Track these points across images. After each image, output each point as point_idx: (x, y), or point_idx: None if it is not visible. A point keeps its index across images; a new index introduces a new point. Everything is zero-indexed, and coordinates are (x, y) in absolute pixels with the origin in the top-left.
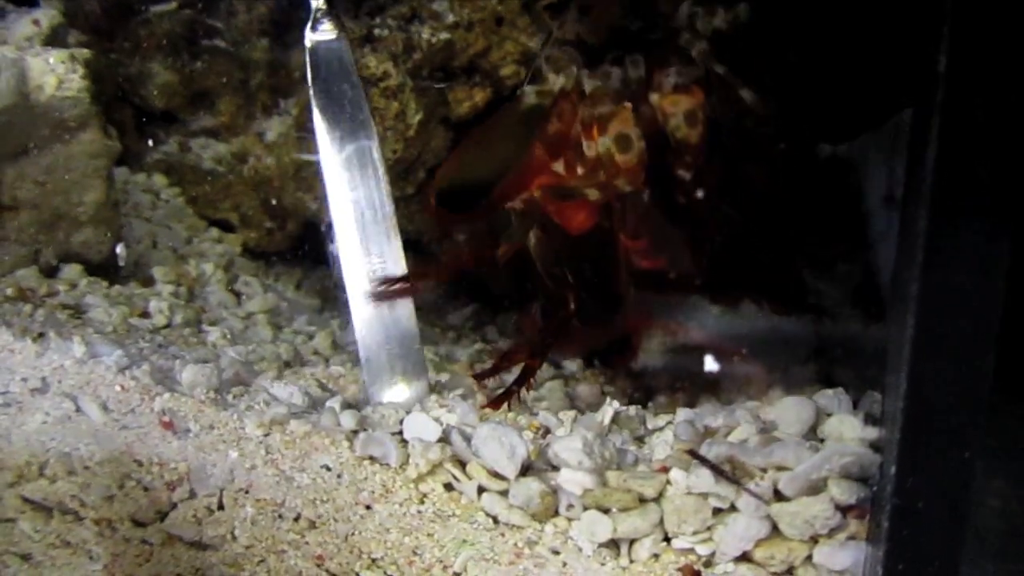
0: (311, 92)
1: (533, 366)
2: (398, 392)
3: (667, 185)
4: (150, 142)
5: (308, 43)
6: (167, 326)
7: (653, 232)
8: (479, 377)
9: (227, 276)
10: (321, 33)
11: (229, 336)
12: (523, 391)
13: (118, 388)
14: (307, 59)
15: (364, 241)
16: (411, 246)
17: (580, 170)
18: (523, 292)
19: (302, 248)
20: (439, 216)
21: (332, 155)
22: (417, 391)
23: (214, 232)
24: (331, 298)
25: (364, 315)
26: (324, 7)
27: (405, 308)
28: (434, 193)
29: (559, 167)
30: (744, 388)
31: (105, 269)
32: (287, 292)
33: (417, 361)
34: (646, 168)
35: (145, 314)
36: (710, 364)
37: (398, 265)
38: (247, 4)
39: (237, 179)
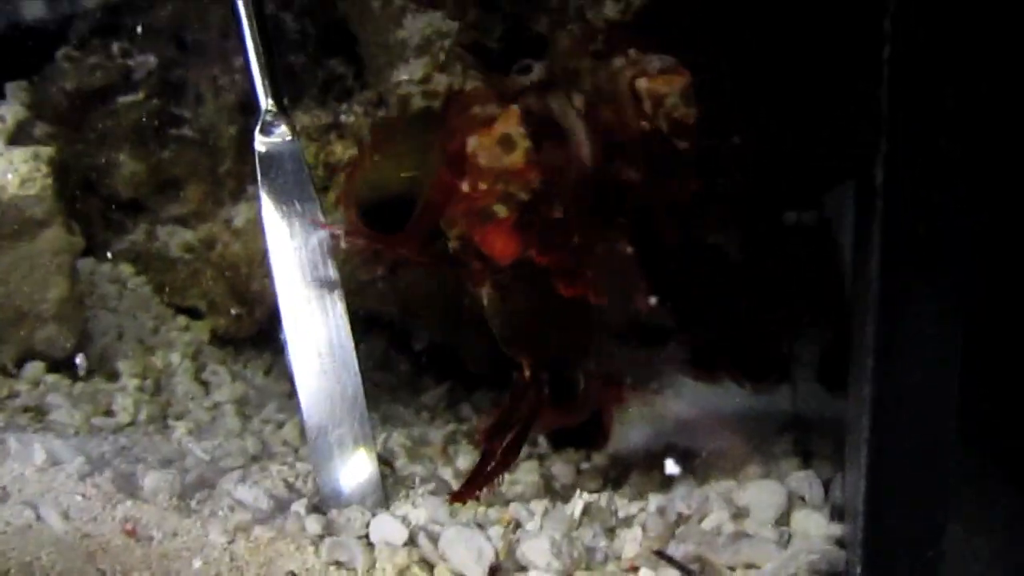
0: (261, 198)
1: (505, 464)
2: (347, 480)
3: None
4: (117, 231)
5: (258, 148)
6: (132, 423)
7: (574, 245)
8: (457, 497)
9: (195, 365)
10: (272, 137)
11: (195, 430)
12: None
13: (79, 496)
14: (257, 165)
15: (313, 336)
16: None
17: (483, 185)
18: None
19: (271, 333)
20: (366, 235)
21: (282, 261)
22: (366, 480)
23: (181, 320)
24: None
25: (311, 400)
26: (274, 109)
27: (353, 382)
28: (355, 208)
29: (466, 186)
30: (720, 463)
31: (69, 365)
32: (256, 379)
33: (367, 452)
34: (545, 170)
35: (109, 412)
36: (687, 438)
37: (349, 355)
38: (215, 92)
39: (205, 266)
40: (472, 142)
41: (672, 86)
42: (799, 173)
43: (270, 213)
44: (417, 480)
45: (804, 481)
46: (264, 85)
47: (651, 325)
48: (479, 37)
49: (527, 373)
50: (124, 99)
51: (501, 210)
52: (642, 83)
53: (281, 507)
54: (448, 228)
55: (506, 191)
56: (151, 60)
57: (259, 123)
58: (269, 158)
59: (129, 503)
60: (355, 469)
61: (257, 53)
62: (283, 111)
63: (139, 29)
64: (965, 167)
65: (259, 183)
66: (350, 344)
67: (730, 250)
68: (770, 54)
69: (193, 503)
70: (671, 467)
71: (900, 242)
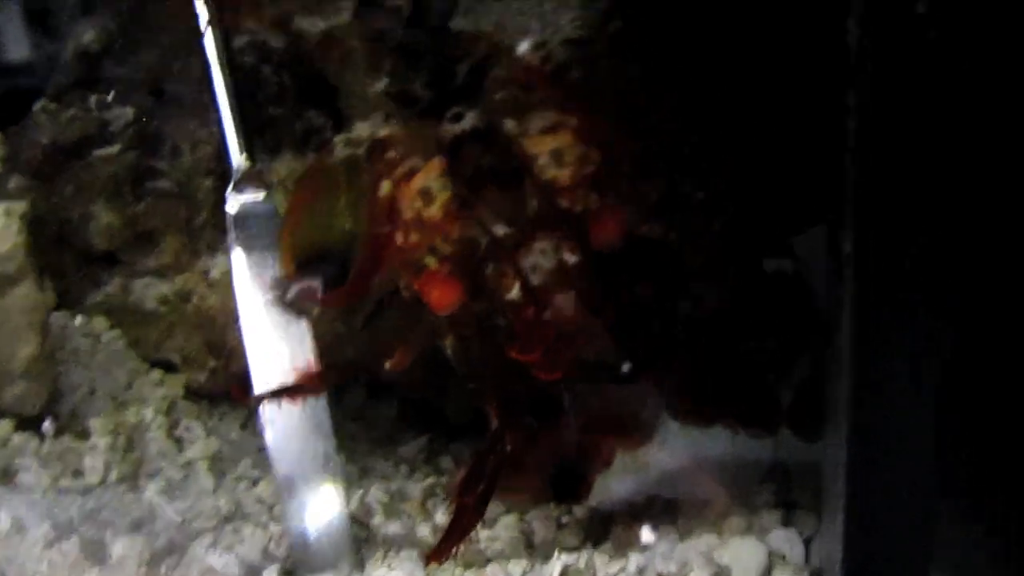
0: (232, 259)
1: (473, 520)
2: (320, 545)
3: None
4: (91, 285)
5: (230, 207)
6: (102, 483)
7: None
8: (433, 558)
9: (168, 420)
10: (246, 194)
11: (167, 489)
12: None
13: (45, 565)
14: (230, 225)
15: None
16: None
17: (412, 236)
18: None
19: (247, 387)
20: (305, 292)
21: (254, 321)
22: (339, 544)
23: (156, 374)
24: None
25: (282, 463)
26: (248, 166)
27: (325, 444)
28: (292, 263)
29: (399, 237)
30: (702, 514)
31: (38, 424)
32: (231, 433)
33: (340, 515)
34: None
35: (78, 472)
36: (669, 489)
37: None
38: (191, 145)
39: (180, 319)
40: (395, 195)
41: (543, 147)
42: (770, 217)
43: (242, 273)
44: (394, 539)
45: (785, 540)
46: (238, 141)
47: (622, 369)
48: (404, 86)
49: (494, 422)
50: (100, 152)
51: (431, 262)
52: (521, 144)
53: (253, 573)
54: (396, 279)
55: (432, 243)
56: (128, 112)
57: (232, 181)
58: (242, 218)
59: (96, 571)
60: (328, 533)
61: (231, 108)
62: (257, 168)
63: (117, 81)
64: (936, 220)
65: (231, 242)
66: (323, 405)
67: (705, 291)
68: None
69: (162, 570)
70: (647, 535)
71: (873, 300)
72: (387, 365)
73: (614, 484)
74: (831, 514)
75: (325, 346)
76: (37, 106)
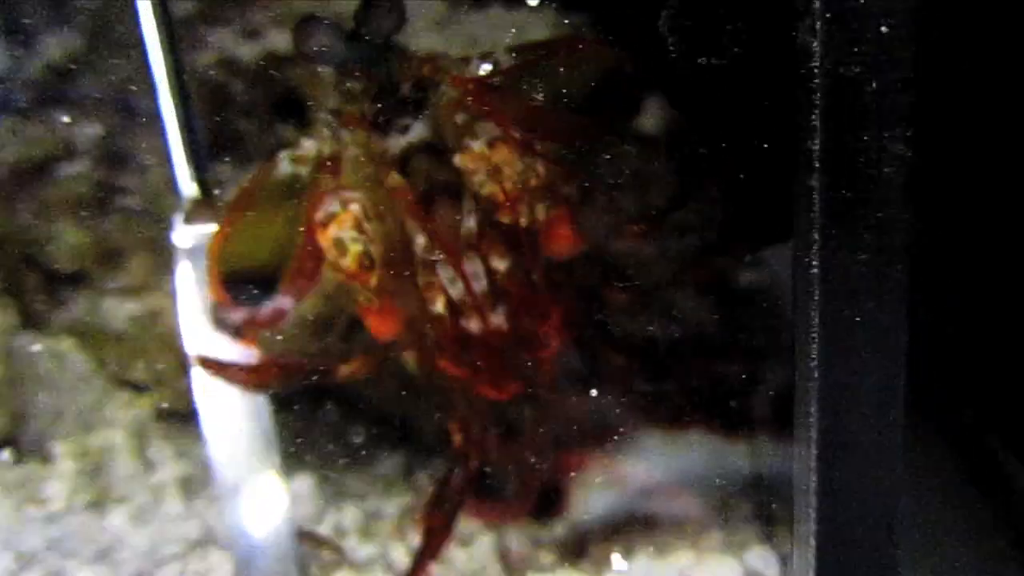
0: (178, 294)
1: (439, 541)
2: None
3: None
4: (58, 305)
5: (180, 241)
6: (67, 510)
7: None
8: None
9: (137, 443)
10: (197, 226)
11: (135, 515)
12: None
13: None
14: (178, 258)
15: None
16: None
17: (339, 275)
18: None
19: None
20: (233, 308)
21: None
22: None
23: (124, 395)
24: None
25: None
26: (199, 196)
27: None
28: (219, 279)
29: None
30: (680, 530)
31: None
32: (202, 453)
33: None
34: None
35: (43, 500)
36: (647, 504)
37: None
38: (160, 161)
39: (150, 338)
40: (319, 238)
41: (480, 163)
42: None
43: (189, 307)
44: (367, 563)
45: (761, 558)
46: (188, 170)
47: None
48: (350, 102)
49: (456, 439)
50: (66, 170)
51: (364, 298)
52: (457, 159)
53: None
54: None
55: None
56: (95, 129)
57: (182, 211)
58: (193, 253)
59: None
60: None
61: (181, 135)
62: (209, 198)
63: (84, 98)
64: (905, 239)
65: (177, 277)
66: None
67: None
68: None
69: None
70: (623, 554)
71: (839, 314)
72: (342, 370)
73: (592, 500)
74: (803, 532)
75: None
76: (1, 125)
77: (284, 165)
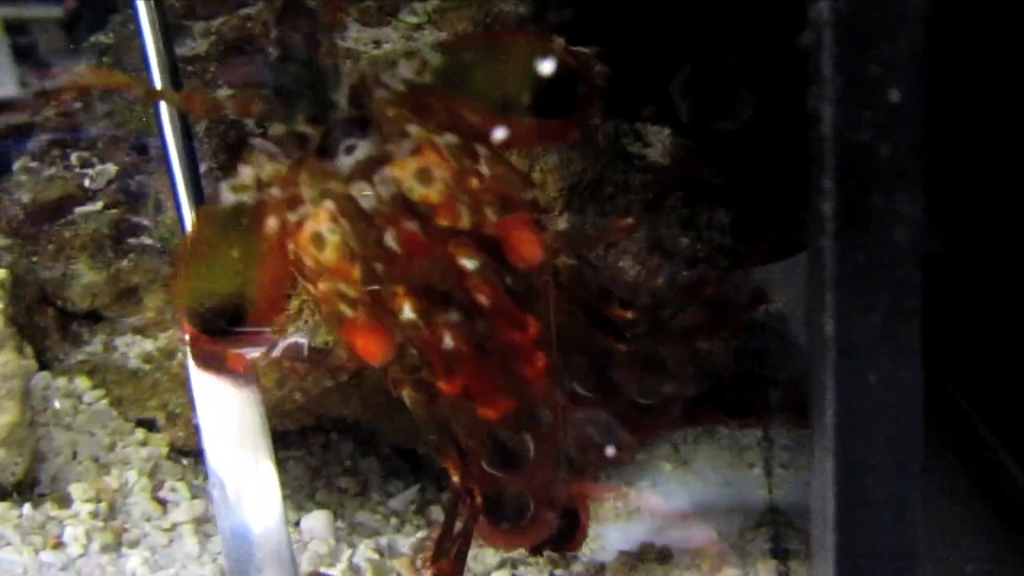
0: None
1: None
2: None
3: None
4: (73, 344)
5: None
6: (83, 555)
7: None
8: None
9: (152, 482)
10: None
11: (151, 557)
12: None
13: None
14: None
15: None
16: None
17: (322, 285)
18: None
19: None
20: (201, 345)
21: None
22: None
23: (139, 434)
24: None
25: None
26: None
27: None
28: (185, 316)
29: (311, 288)
30: (697, 563)
31: (19, 491)
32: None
33: None
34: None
35: (59, 544)
36: (663, 535)
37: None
38: (175, 200)
39: (164, 376)
40: (289, 246)
41: (407, 168)
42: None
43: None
44: None
45: None
46: (186, 199)
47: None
48: (289, 127)
49: (456, 478)
50: (82, 209)
51: (347, 311)
52: (387, 169)
53: None
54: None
55: (338, 290)
56: (110, 168)
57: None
58: None
59: None
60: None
61: (183, 175)
62: None
63: (99, 137)
64: (915, 307)
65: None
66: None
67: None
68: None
69: None
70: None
71: (856, 333)
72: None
73: (609, 532)
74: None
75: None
76: (18, 165)
77: (226, 195)
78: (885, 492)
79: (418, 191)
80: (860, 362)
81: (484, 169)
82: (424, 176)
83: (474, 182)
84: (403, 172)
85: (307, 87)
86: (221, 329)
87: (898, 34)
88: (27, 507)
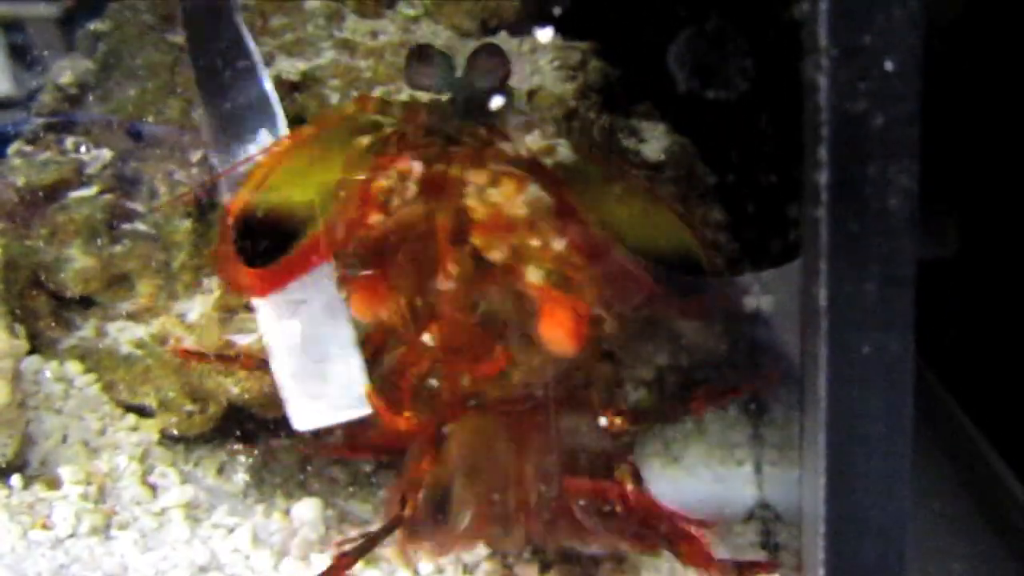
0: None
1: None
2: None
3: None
4: (65, 328)
5: None
6: (72, 535)
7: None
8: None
9: (143, 467)
10: None
11: (140, 540)
12: None
13: None
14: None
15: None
16: None
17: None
18: None
19: (225, 430)
20: (236, 271)
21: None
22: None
23: (130, 419)
24: (255, 482)
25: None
26: None
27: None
28: (233, 226)
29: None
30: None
31: (8, 473)
32: (207, 479)
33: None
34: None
35: (48, 525)
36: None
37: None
38: (170, 187)
39: (156, 362)
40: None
41: (479, 182)
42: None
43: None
44: None
45: None
46: None
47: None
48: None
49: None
50: (76, 194)
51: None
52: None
53: None
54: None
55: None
56: (105, 154)
57: None
58: None
59: None
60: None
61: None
62: None
63: (94, 122)
64: (908, 277)
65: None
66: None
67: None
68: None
69: None
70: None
71: (848, 338)
72: None
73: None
74: (812, 561)
75: None
76: (12, 149)
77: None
78: (875, 463)
79: (471, 202)
80: (853, 332)
81: (554, 241)
82: (483, 193)
83: (534, 240)
84: (477, 178)
85: (477, 108)
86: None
87: (893, 2)
88: (16, 486)
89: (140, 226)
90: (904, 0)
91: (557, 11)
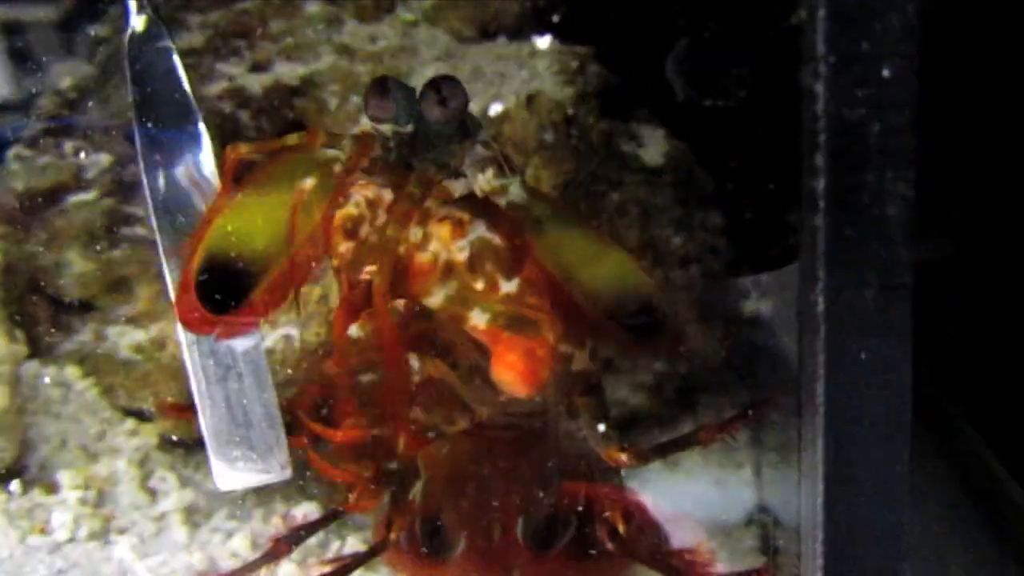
0: None
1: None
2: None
3: None
4: (64, 333)
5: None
6: (71, 540)
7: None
8: None
9: (141, 472)
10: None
11: (139, 545)
12: None
13: None
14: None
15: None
16: None
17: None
18: None
19: None
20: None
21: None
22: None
23: (129, 424)
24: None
25: None
26: None
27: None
28: (194, 278)
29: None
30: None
31: (6, 478)
32: (206, 483)
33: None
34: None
35: (46, 529)
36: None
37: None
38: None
39: (155, 366)
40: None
41: (423, 222)
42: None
43: None
44: None
45: None
46: None
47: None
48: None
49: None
50: (75, 198)
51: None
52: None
53: None
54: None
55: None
56: (104, 158)
57: None
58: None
59: None
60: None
61: None
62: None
63: (93, 127)
64: (906, 284)
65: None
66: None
67: None
68: None
69: None
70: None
71: (845, 345)
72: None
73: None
74: (809, 569)
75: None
76: (11, 153)
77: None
78: (874, 469)
79: (408, 244)
80: (850, 339)
81: (503, 283)
82: (418, 240)
83: (477, 282)
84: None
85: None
86: (219, 300)
87: (891, 9)
88: (15, 490)
89: (139, 230)
90: (902, 8)
91: (556, 16)
